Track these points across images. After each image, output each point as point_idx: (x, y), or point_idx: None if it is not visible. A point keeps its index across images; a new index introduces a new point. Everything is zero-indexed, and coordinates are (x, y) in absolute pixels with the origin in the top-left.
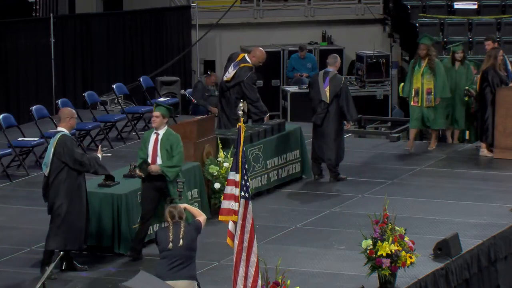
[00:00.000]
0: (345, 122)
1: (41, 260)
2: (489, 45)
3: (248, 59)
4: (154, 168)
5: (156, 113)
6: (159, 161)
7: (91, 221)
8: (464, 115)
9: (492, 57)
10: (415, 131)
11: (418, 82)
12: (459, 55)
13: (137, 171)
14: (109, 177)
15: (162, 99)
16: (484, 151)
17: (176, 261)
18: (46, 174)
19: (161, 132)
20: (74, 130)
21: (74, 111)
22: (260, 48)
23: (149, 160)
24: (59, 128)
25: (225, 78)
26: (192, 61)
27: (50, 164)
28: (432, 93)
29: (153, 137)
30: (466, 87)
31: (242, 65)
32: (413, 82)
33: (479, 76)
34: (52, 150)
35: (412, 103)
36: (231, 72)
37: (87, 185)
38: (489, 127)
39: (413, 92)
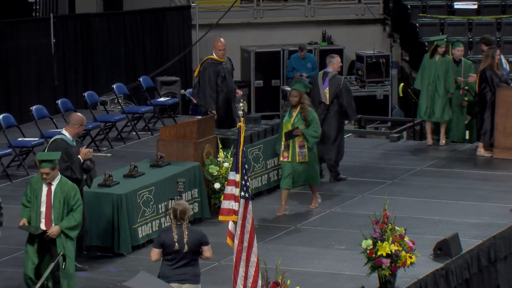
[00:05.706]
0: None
1: None
2: (482, 47)
3: (213, 55)
4: (55, 231)
5: (45, 170)
6: (54, 219)
7: (90, 221)
8: (442, 107)
9: (489, 56)
10: (287, 192)
11: None
12: (441, 49)
13: (30, 228)
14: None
15: (162, 98)
16: (481, 151)
17: (181, 261)
18: None
19: (55, 182)
20: None
21: (85, 119)
22: (218, 39)
23: (43, 218)
24: (63, 131)
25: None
26: (192, 61)
27: None
28: (306, 147)
29: (45, 189)
30: (466, 87)
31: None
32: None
33: (477, 76)
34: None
35: (281, 158)
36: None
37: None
38: (488, 127)
39: (282, 146)
